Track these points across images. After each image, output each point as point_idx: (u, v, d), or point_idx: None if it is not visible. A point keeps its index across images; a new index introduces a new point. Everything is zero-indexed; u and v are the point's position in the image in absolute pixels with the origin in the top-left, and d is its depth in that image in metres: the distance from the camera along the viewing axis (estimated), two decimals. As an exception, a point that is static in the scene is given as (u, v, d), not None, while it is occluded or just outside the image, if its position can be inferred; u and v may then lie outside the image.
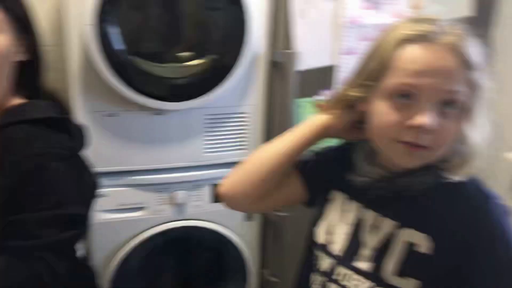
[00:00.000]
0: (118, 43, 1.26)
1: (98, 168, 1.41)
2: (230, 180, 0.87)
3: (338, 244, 0.81)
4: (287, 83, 1.39)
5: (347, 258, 0.79)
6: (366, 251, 0.77)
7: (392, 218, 0.76)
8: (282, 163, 0.84)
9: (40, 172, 0.72)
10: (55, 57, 1.61)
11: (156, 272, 1.65)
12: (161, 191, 1.51)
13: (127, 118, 1.39)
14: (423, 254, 0.72)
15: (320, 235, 0.85)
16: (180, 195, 1.51)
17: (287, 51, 1.39)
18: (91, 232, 1.48)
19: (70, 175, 0.76)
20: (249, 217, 1.61)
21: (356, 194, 0.81)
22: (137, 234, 1.52)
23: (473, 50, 0.68)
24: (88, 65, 1.29)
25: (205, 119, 1.47)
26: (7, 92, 0.80)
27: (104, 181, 1.45)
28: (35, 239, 0.70)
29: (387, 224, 0.76)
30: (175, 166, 1.50)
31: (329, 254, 0.82)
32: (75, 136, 0.84)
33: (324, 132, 0.82)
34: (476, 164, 0.73)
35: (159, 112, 1.40)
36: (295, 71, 1.38)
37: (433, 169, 0.73)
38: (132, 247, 1.52)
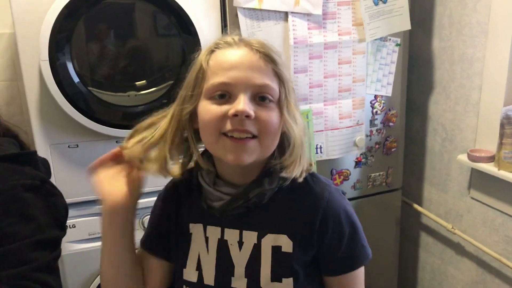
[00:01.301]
0: (75, 76, 1.29)
1: (66, 199, 1.45)
2: None
3: (210, 275, 0.81)
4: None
5: (223, 283, 0.80)
6: (239, 269, 0.79)
7: (253, 229, 0.79)
8: (115, 265, 0.81)
9: (16, 204, 0.76)
10: (13, 92, 1.65)
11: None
12: (131, 217, 1.52)
13: (90, 147, 1.41)
14: (288, 253, 0.77)
15: (191, 274, 0.83)
16: (151, 219, 1.52)
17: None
18: (64, 264, 1.49)
19: (42, 202, 0.80)
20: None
21: (213, 219, 0.81)
22: (111, 262, 1.53)
23: (272, 48, 0.76)
24: (47, 99, 1.31)
25: (169, 143, 1.50)
26: None
27: (73, 211, 1.46)
28: (28, 264, 0.74)
29: (251, 236, 0.79)
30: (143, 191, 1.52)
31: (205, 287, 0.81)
32: (39, 166, 0.87)
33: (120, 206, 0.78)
34: (305, 159, 0.79)
35: (122, 140, 1.42)
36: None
37: (276, 174, 0.78)
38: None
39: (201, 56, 0.76)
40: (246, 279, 0.79)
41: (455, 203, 1.73)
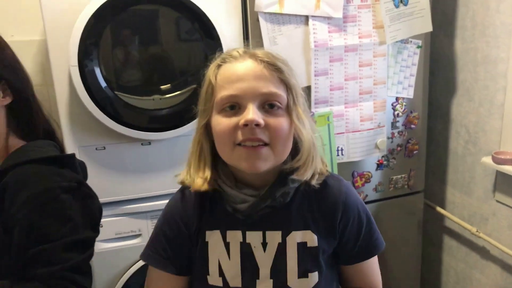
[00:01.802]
0: (102, 81, 1.33)
1: (94, 199, 1.50)
2: None
3: (236, 278, 0.82)
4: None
5: (249, 285, 0.82)
6: (264, 271, 0.81)
7: (277, 229, 0.81)
8: None
9: (54, 205, 0.80)
10: (42, 96, 1.70)
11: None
12: (156, 217, 1.55)
13: (117, 150, 1.45)
14: (314, 247, 0.81)
15: (216, 280, 0.84)
16: (174, 220, 1.55)
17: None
18: (91, 262, 1.54)
19: (78, 204, 0.84)
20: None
21: (233, 223, 0.81)
22: (137, 261, 1.56)
23: (277, 57, 0.78)
24: (76, 103, 1.36)
25: (193, 145, 1.53)
26: (3, 135, 0.87)
27: (100, 211, 1.51)
28: (62, 263, 0.77)
29: (275, 236, 0.81)
30: (168, 192, 1.55)
31: None
32: (77, 169, 0.91)
33: None
34: (318, 161, 0.81)
35: (147, 142, 1.47)
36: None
37: (293, 177, 0.80)
38: (132, 274, 1.56)
39: (209, 72, 0.80)
40: (271, 280, 0.81)
41: (479, 206, 1.71)
